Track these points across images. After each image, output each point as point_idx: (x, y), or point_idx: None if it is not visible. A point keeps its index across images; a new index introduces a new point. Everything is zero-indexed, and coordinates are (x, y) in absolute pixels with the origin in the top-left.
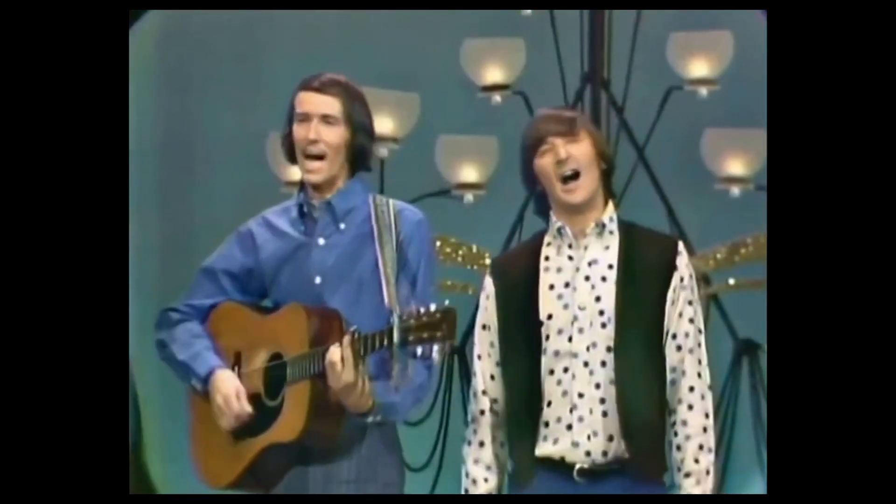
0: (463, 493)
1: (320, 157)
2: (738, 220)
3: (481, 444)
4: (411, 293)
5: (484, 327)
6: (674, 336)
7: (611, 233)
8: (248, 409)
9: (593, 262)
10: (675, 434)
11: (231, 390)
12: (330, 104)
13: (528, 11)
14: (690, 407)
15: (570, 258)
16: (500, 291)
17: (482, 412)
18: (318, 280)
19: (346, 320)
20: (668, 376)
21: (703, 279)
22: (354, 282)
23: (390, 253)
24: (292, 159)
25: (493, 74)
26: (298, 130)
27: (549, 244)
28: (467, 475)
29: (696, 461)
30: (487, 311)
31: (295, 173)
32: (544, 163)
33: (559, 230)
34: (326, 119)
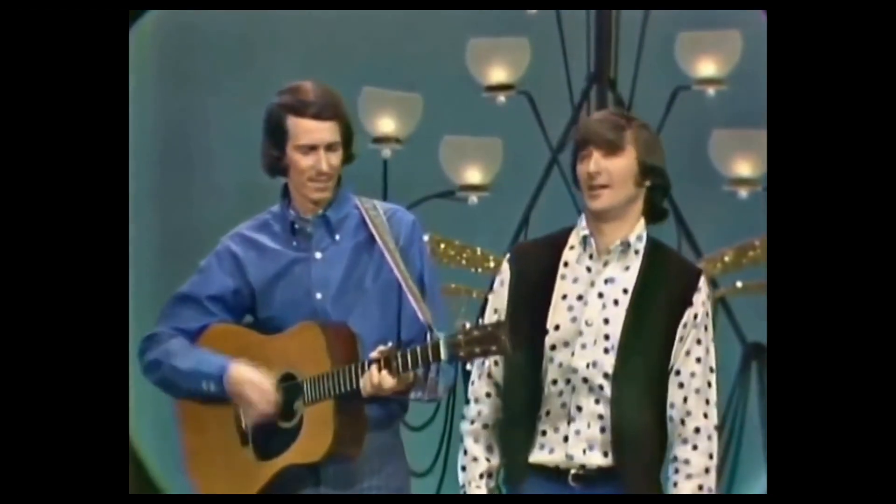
0: (460, 470)
1: (329, 180)
2: (746, 222)
3: (485, 425)
4: (423, 297)
5: (495, 311)
6: (677, 373)
7: (636, 252)
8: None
9: (610, 281)
10: (676, 471)
11: (262, 378)
12: (332, 131)
13: (534, 11)
14: (695, 447)
15: (589, 269)
16: (514, 282)
17: (487, 395)
18: (318, 295)
19: (357, 334)
20: (668, 412)
21: (711, 282)
22: (359, 292)
23: (401, 262)
24: (274, 173)
25: (498, 74)
26: (304, 160)
27: (572, 248)
28: (466, 452)
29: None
30: (500, 296)
31: None
32: (580, 169)
33: (584, 239)
34: (331, 147)
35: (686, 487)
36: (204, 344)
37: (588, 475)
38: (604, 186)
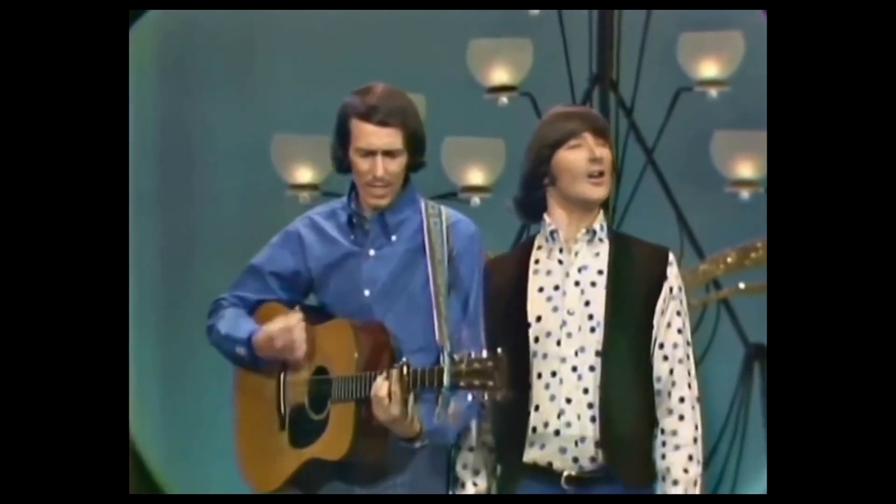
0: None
1: (385, 186)
2: (748, 223)
3: (470, 448)
4: (462, 314)
5: None
6: (661, 346)
7: (601, 240)
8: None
9: (583, 268)
10: (664, 444)
11: (283, 320)
12: (393, 139)
13: (536, 11)
14: (681, 418)
15: (560, 262)
16: (486, 296)
17: None
18: (367, 293)
19: (394, 336)
20: (655, 386)
21: (713, 283)
22: (405, 297)
23: (442, 276)
24: (341, 171)
25: (500, 75)
26: (362, 163)
27: (539, 248)
28: (455, 480)
29: (686, 471)
30: None
31: (302, 175)
32: (574, 157)
33: (551, 233)
34: (390, 153)
35: (675, 458)
36: (256, 320)
37: (581, 476)
38: (602, 173)
